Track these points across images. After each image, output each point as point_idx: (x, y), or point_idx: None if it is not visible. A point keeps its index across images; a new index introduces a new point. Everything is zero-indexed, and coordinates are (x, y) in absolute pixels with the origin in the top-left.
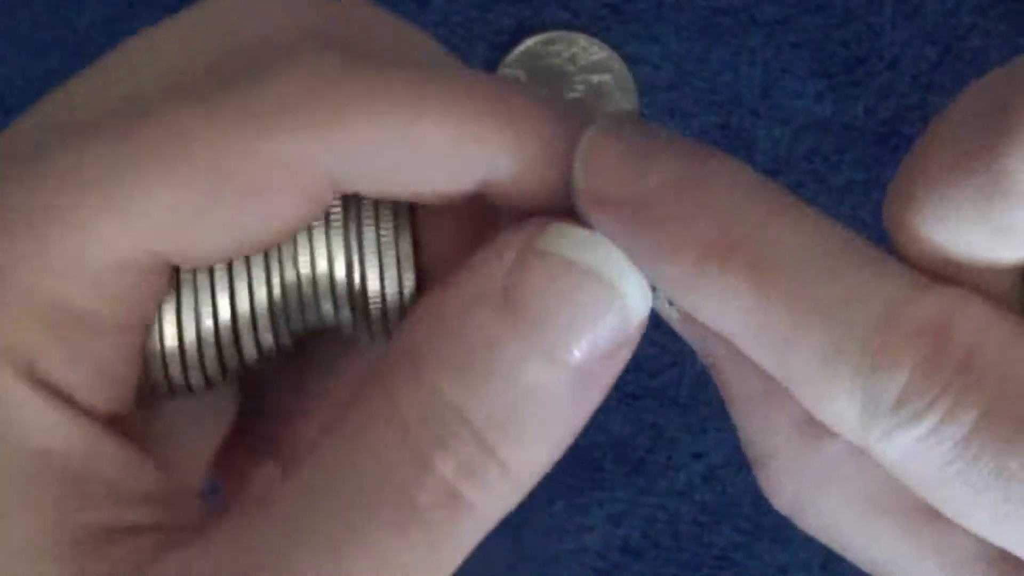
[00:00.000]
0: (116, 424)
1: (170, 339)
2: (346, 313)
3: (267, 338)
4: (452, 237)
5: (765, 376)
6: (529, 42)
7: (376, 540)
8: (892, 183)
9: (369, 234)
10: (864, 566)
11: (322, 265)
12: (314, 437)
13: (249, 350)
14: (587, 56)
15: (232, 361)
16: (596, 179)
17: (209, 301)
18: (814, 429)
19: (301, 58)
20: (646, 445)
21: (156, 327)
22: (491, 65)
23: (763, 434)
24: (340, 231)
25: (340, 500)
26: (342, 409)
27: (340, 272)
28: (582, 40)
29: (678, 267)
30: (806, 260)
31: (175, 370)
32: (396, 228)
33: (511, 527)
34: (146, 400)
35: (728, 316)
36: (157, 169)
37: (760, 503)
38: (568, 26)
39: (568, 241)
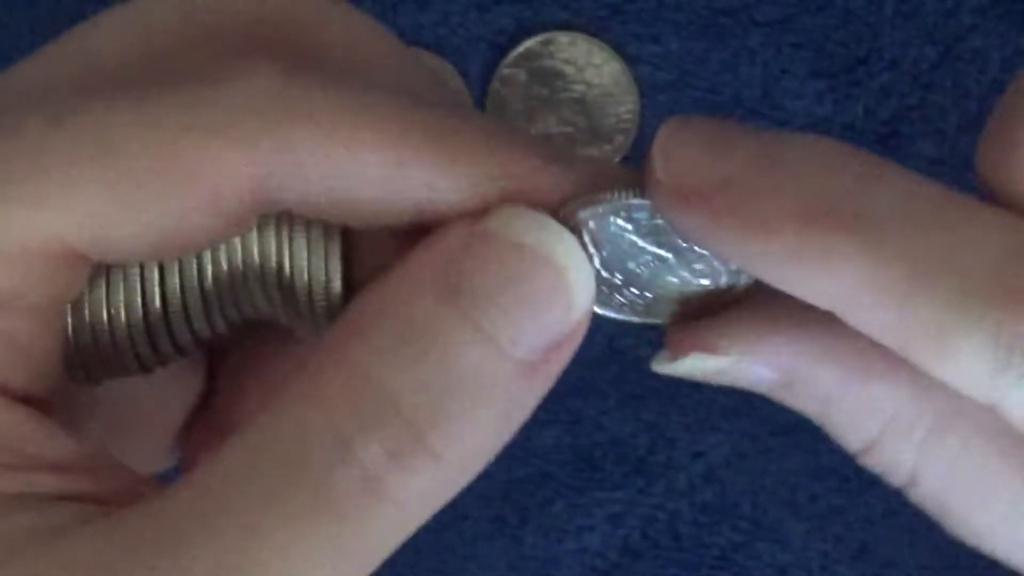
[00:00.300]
0: (38, 399)
1: (99, 322)
2: (278, 305)
3: (201, 325)
4: (390, 246)
5: (863, 354)
6: (529, 42)
7: (284, 527)
8: (987, 131)
9: (299, 228)
10: (981, 538)
11: (253, 256)
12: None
13: (182, 336)
14: (587, 56)
15: (165, 346)
16: (679, 170)
17: (138, 287)
18: (926, 390)
19: (243, 67)
20: (646, 445)
21: (85, 309)
22: (491, 65)
23: (869, 415)
24: (272, 225)
25: (253, 483)
26: (273, 391)
27: (271, 264)
28: (582, 40)
29: (778, 242)
30: (912, 214)
31: (106, 353)
32: (326, 227)
33: (511, 527)
34: (88, 378)
35: (835, 285)
36: (80, 166)
37: (760, 503)
38: (568, 26)
39: (517, 222)
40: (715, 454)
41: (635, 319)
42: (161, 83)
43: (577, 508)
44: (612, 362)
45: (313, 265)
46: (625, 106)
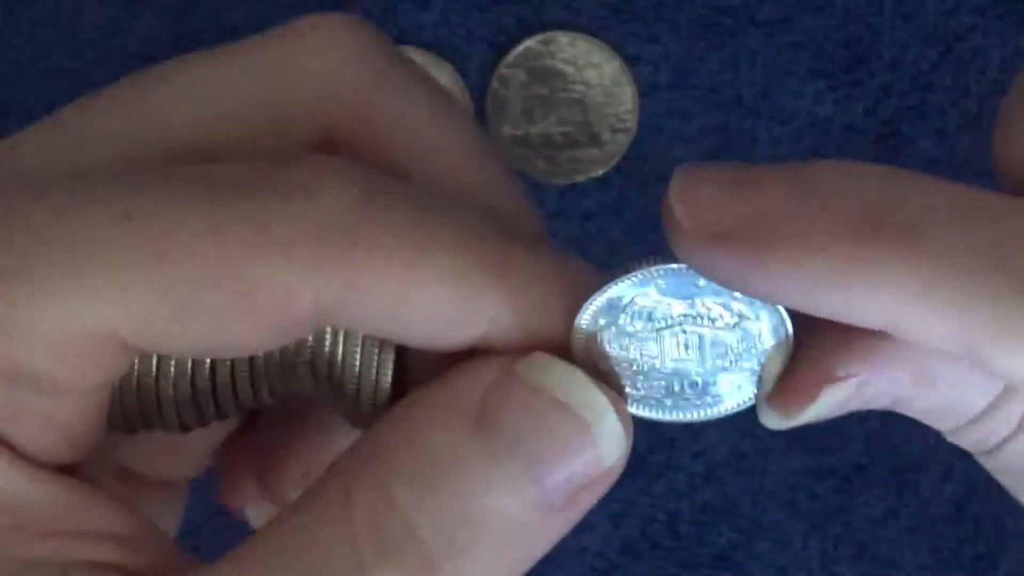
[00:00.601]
0: (74, 468)
1: (147, 391)
2: (325, 393)
3: (247, 398)
4: (441, 358)
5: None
6: (529, 42)
7: None
8: (999, 123)
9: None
10: None
11: (306, 347)
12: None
13: (227, 406)
14: (587, 56)
15: (209, 414)
16: (706, 214)
17: (189, 363)
18: None
19: (315, 183)
20: (646, 445)
21: (134, 379)
22: (491, 65)
23: (978, 393)
24: None
25: None
26: (302, 495)
27: (323, 357)
28: (582, 40)
29: (825, 263)
30: (952, 215)
31: (151, 415)
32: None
33: None
34: (127, 430)
35: (891, 296)
36: (142, 269)
37: (760, 503)
38: (568, 26)
39: (549, 372)
40: (715, 454)
41: (710, 415)
42: (232, 182)
43: None
44: None
45: (365, 365)
46: (625, 106)
